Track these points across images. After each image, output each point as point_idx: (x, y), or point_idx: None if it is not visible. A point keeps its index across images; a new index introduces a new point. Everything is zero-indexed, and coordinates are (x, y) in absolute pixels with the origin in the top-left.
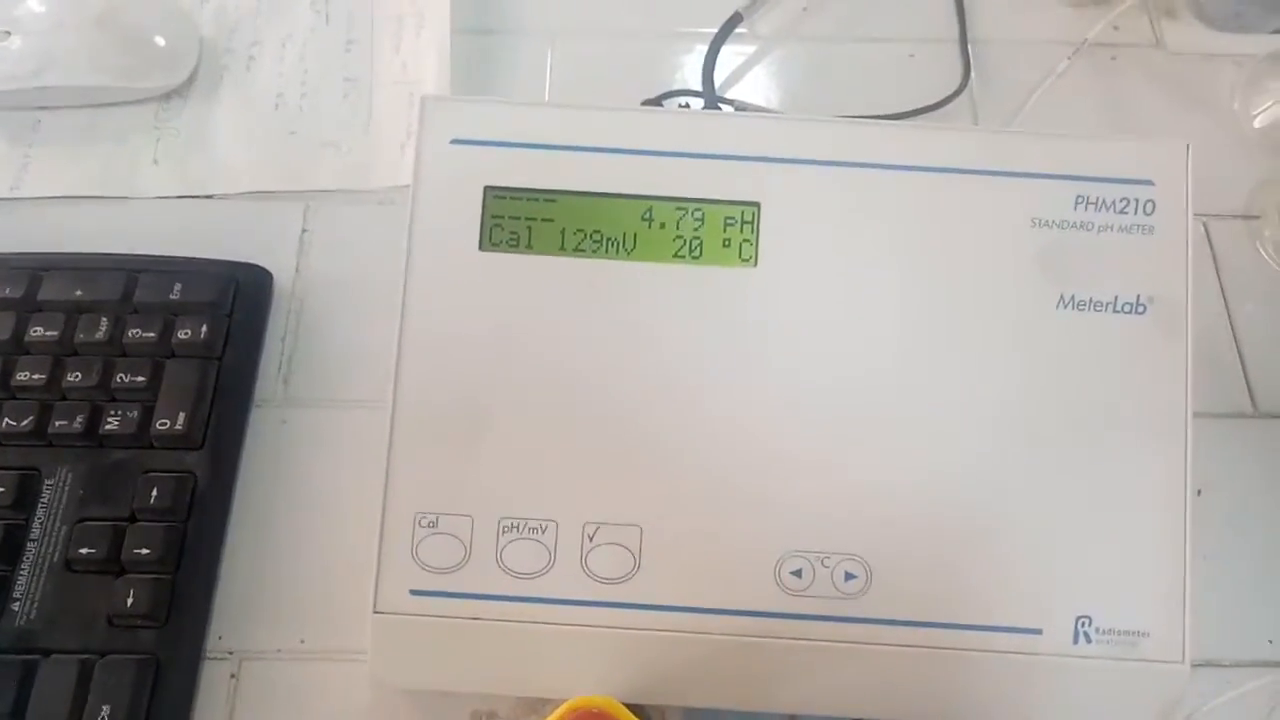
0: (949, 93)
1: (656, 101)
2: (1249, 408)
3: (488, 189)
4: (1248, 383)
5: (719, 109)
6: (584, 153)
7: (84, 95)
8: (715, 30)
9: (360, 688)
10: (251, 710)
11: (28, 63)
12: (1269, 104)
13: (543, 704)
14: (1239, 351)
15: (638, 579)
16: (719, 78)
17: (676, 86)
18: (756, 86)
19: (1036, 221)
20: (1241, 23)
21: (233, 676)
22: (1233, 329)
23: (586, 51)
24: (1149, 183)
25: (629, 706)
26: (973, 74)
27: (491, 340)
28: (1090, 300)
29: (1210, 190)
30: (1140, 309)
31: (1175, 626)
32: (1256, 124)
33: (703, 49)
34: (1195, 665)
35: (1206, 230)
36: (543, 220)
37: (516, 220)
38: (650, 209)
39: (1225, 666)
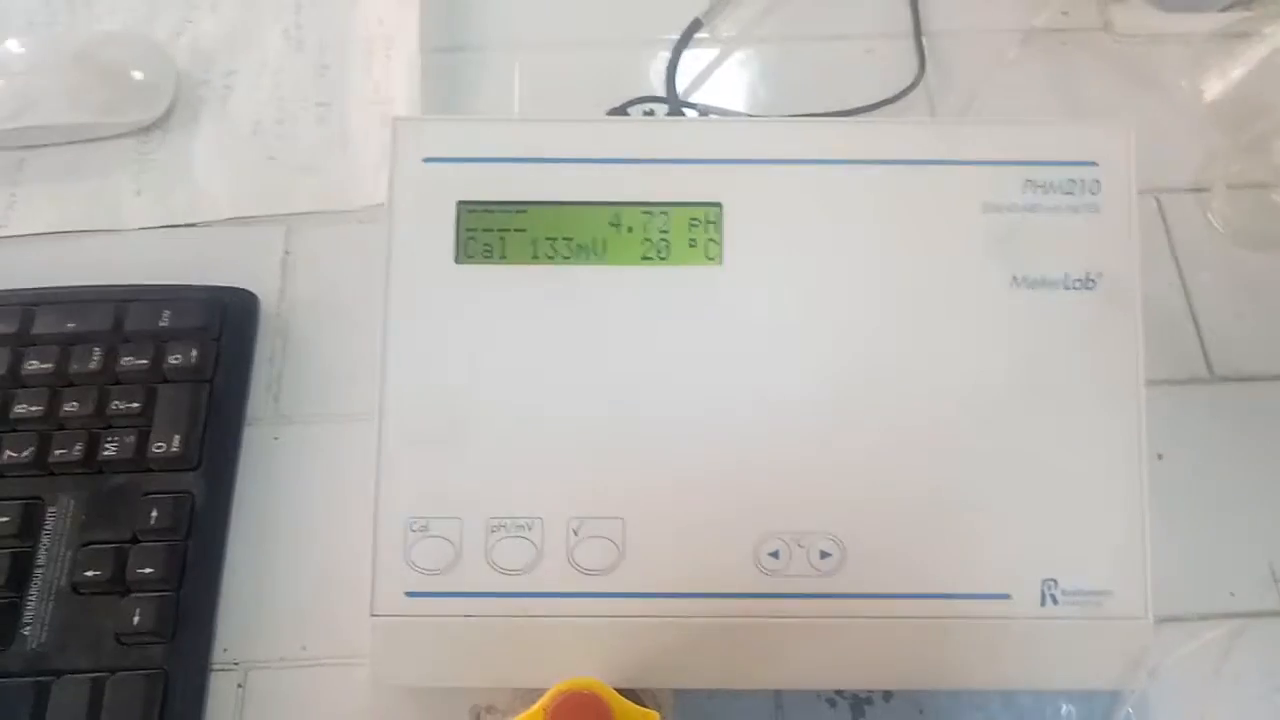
0: (905, 85)
1: (622, 109)
2: (1205, 373)
3: (461, 204)
4: (1203, 349)
5: (682, 114)
6: (551, 164)
7: (66, 133)
8: (677, 37)
9: (362, 690)
10: (259, 717)
11: (9, 104)
12: (1215, 81)
13: (539, 695)
14: (1194, 319)
15: (622, 569)
16: (683, 82)
17: (641, 93)
18: (720, 89)
19: (988, 206)
20: (1191, 1)
21: (239, 686)
22: (1187, 298)
23: (553, 64)
24: (1093, 164)
25: (622, 690)
26: (928, 66)
27: (471, 349)
28: (1042, 279)
29: (1161, 166)
30: (1090, 284)
31: (1138, 584)
32: (1204, 100)
33: (666, 55)
34: (1161, 620)
35: (1159, 204)
36: (515, 231)
37: (490, 232)
38: (618, 214)
39: (1190, 620)
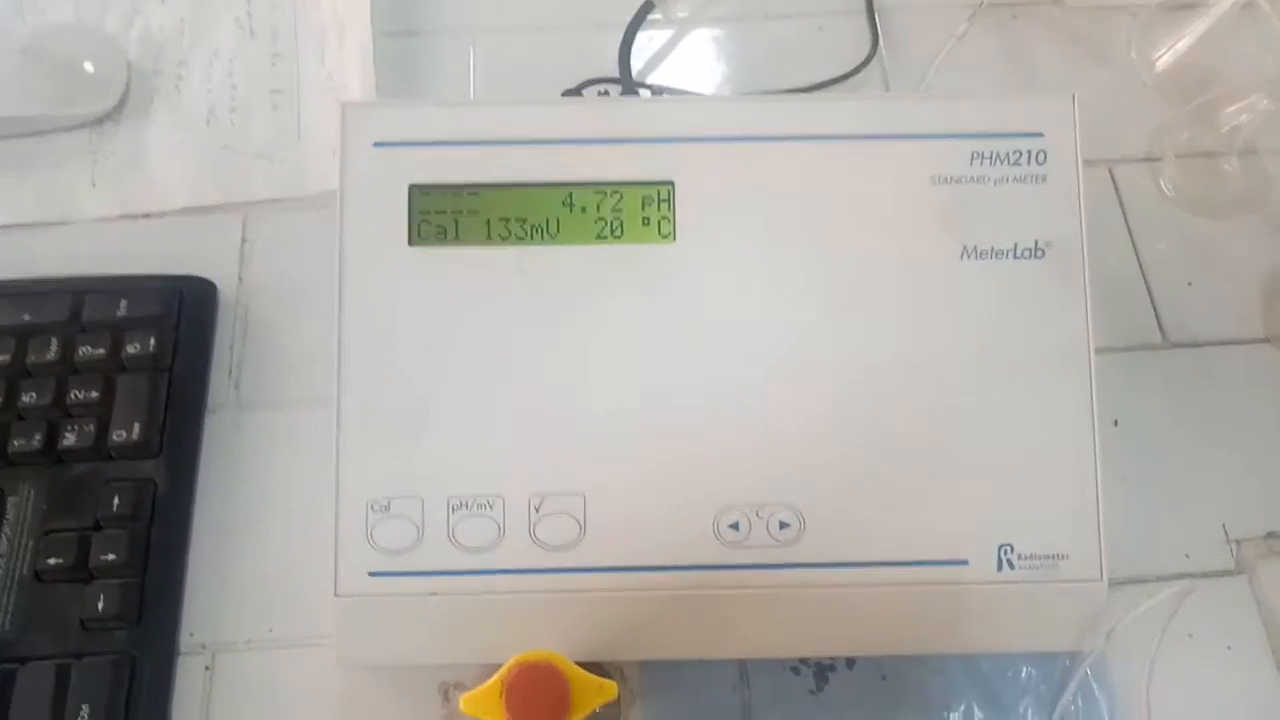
0: (859, 62)
1: (576, 91)
2: (1159, 339)
3: (413, 187)
4: (1157, 316)
5: (636, 94)
6: (503, 146)
7: (18, 125)
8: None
9: (330, 670)
10: (227, 699)
11: None
12: (1163, 52)
13: None
14: (1147, 287)
15: (584, 544)
16: (638, 64)
17: (595, 75)
18: (674, 69)
19: (936, 179)
20: None
21: (207, 669)
22: (1140, 266)
23: (508, 47)
24: (1039, 134)
25: (588, 664)
26: (881, 42)
27: (427, 330)
28: (991, 249)
29: (1112, 137)
30: (1039, 254)
31: (1092, 547)
32: (1153, 71)
33: (619, 39)
34: (1119, 582)
35: (1111, 174)
36: (468, 213)
37: (443, 214)
38: (570, 194)
39: (1147, 581)
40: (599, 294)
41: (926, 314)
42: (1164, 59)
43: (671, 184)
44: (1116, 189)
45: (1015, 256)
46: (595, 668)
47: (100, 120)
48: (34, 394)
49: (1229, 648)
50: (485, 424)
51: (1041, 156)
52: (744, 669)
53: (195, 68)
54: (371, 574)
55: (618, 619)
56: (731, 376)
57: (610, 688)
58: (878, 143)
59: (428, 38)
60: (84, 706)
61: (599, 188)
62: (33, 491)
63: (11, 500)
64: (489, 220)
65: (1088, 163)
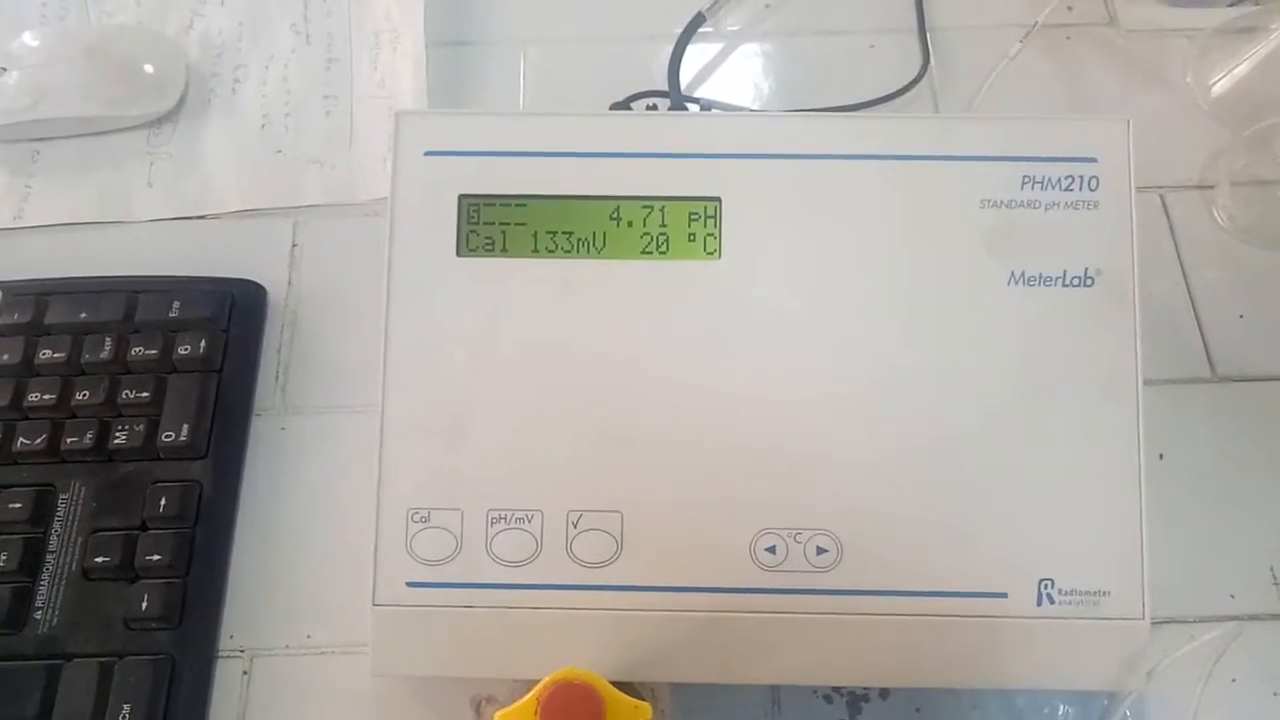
0: (909, 81)
1: (625, 104)
2: (1208, 373)
3: (462, 197)
4: (1206, 348)
5: (685, 108)
6: (552, 158)
7: (79, 125)
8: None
9: (365, 679)
10: (263, 704)
11: (24, 96)
12: (1220, 76)
13: None
14: (1197, 318)
15: (621, 562)
16: (687, 77)
17: (645, 88)
18: (723, 83)
19: (986, 203)
20: None
21: (245, 673)
22: (1190, 297)
23: (558, 58)
24: (1092, 160)
25: (620, 684)
26: (932, 61)
27: (472, 341)
28: (1040, 275)
29: (1165, 163)
30: (1089, 281)
31: (1134, 584)
32: (1209, 96)
33: (670, 50)
34: (1161, 622)
35: (1163, 201)
36: (516, 224)
37: (491, 225)
38: (618, 208)
39: (1190, 622)
40: (643, 310)
41: (972, 339)
42: (1220, 84)
43: (718, 200)
44: (1168, 216)
45: (1064, 284)
46: (627, 688)
47: (158, 122)
48: (87, 392)
49: (1275, 694)
50: (526, 437)
51: (1094, 183)
52: (776, 695)
53: (251, 71)
54: (409, 584)
55: (651, 638)
56: (773, 397)
57: (645, 710)
58: (927, 163)
59: (479, 47)
60: (125, 706)
61: (646, 202)
62: (83, 489)
63: (62, 498)
64: (536, 232)
65: (1140, 189)
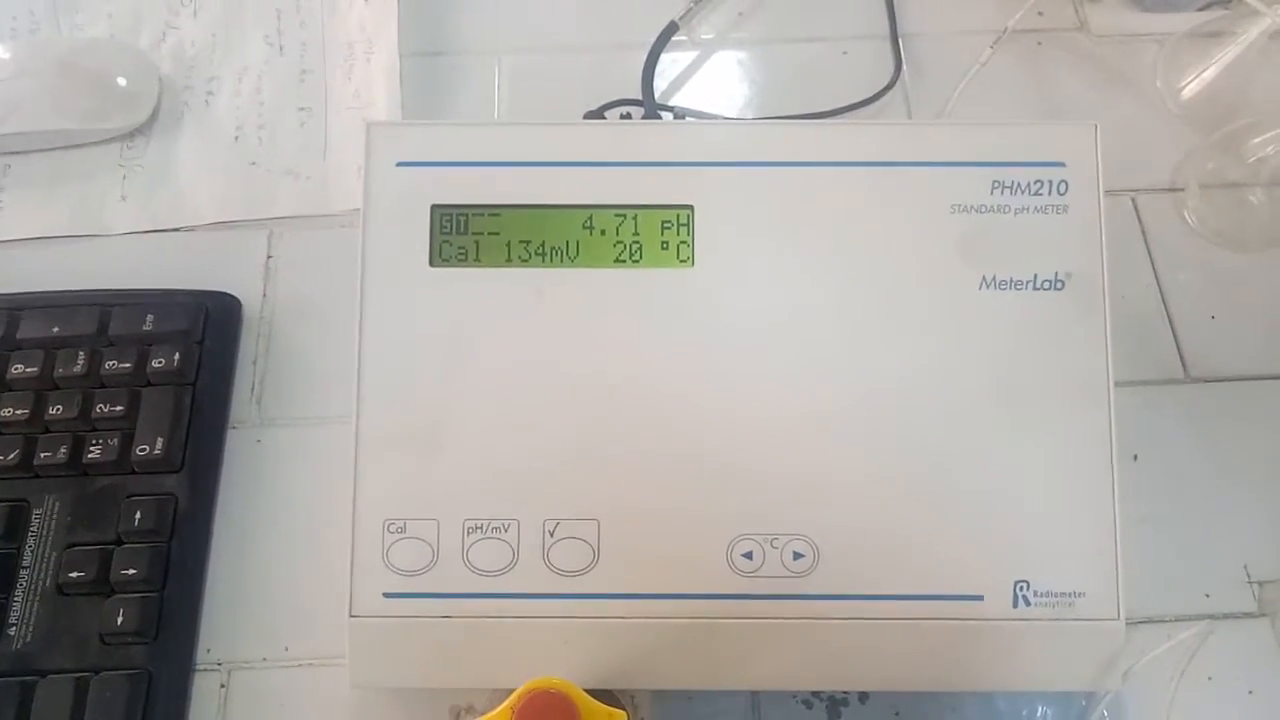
0: (882, 87)
1: (599, 113)
2: (1180, 374)
3: (435, 207)
4: (1179, 349)
5: (658, 117)
6: (524, 168)
7: (51, 139)
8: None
9: (344, 690)
10: (242, 717)
11: None
12: (1190, 80)
13: None
14: (1169, 320)
15: (598, 570)
16: (663, 85)
17: (621, 96)
18: (697, 91)
19: (956, 208)
20: (1168, 0)
21: (222, 686)
22: (1163, 298)
23: (532, 68)
24: (1060, 164)
25: (598, 692)
26: (905, 67)
27: (446, 352)
28: (1011, 279)
29: (1136, 166)
30: (1059, 285)
31: (1109, 585)
32: (1179, 100)
33: (644, 58)
34: (1137, 622)
35: (1135, 204)
36: (489, 234)
37: (464, 236)
38: (590, 217)
39: (1167, 621)
40: (616, 318)
41: (944, 344)
42: (1190, 87)
43: (691, 208)
44: (1139, 219)
45: (1035, 287)
46: (607, 696)
47: (131, 135)
48: (60, 407)
49: (1250, 692)
50: (502, 446)
51: (1063, 187)
52: (756, 701)
53: (225, 84)
54: (386, 595)
55: (630, 646)
56: (748, 403)
57: (620, 717)
58: (898, 170)
59: (453, 58)
60: None
61: (618, 211)
62: (57, 504)
63: (36, 513)
64: (509, 242)
65: (1111, 192)
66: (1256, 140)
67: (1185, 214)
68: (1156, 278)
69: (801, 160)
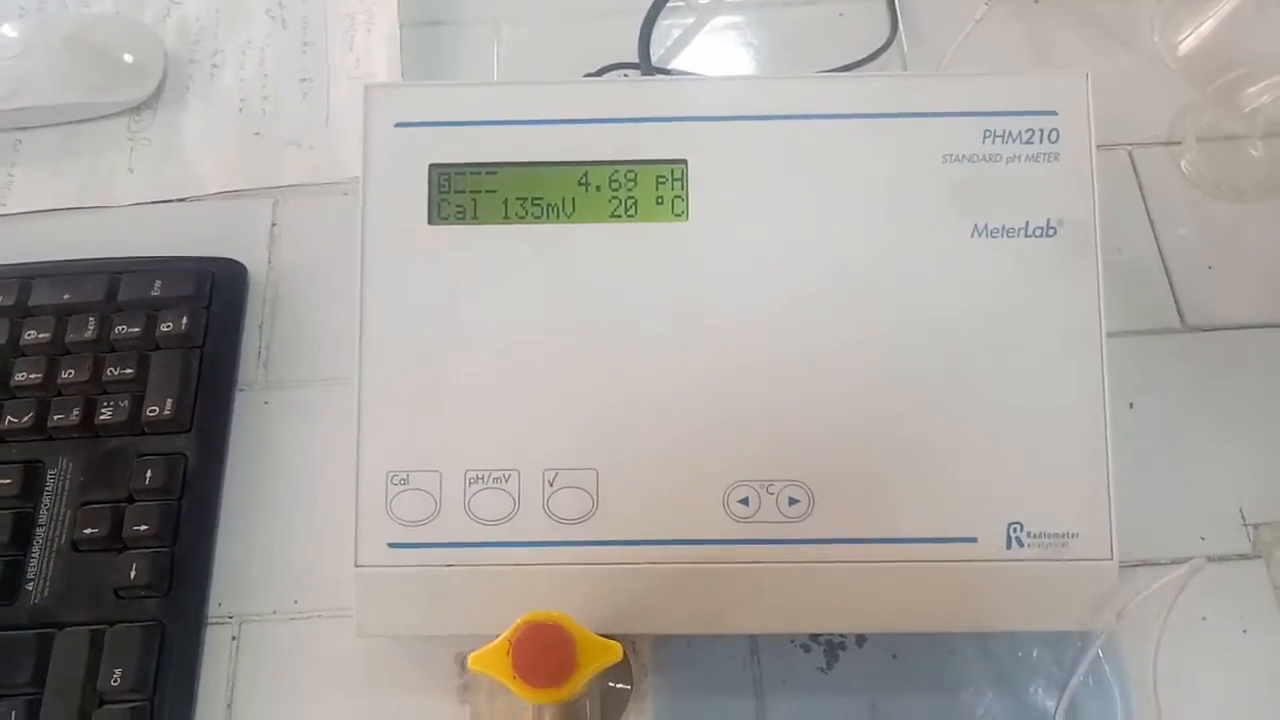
0: (878, 47)
1: (597, 76)
2: (1177, 323)
3: (433, 166)
4: (1176, 300)
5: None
6: (520, 126)
7: (59, 113)
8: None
9: (351, 641)
10: (252, 668)
11: (4, 86)
12: (1187, 35)
13: None
14: (1166, 271)
15: (597, 518)
16: (661, 50)
17: (617, 60)
18: (694, 56)
19: (948, 158)
20: None
21: (233, 638)
22: (1160, 250)
23: (531, 35)
24: (1052, 113)
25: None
26: (901, 27)
27: (446, 307)
28: (1003, 227)
29: (1134, 121)
30: (1050, 232)
31: (1102, 526)
32: (1176, 55)
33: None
34: (1134, 564)
35: (1132, 158)
36: (486, 192)
37: (461, 194)
38: (586, 173)
39: (1162, 564)
40: (612, 272)
41: (937, 291)
42: (1187, 42)
43: (685, 163)
44: (1136, 173)
45: (1026, 235)
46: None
47: (138, 108)
48: (72, 371)
49: (1244, 631)
50: (501, 399)
51: (1054, 135)
52: (754, 645)
53: (229, 57)
54: (390, 545)
55: (629, 591)
56: (743, 353)
57: (615, 648)
58: (889, 121)
59: (453, 27)
60: (116, 670)
61: (614, 167)
62: (71, 465)
63: (51, 473)
64: (506, 200)
65: (1108, 146)
66: (1252, 90)
67: (1182, 166)
68: (1154, 230)
69: (793, 113)
